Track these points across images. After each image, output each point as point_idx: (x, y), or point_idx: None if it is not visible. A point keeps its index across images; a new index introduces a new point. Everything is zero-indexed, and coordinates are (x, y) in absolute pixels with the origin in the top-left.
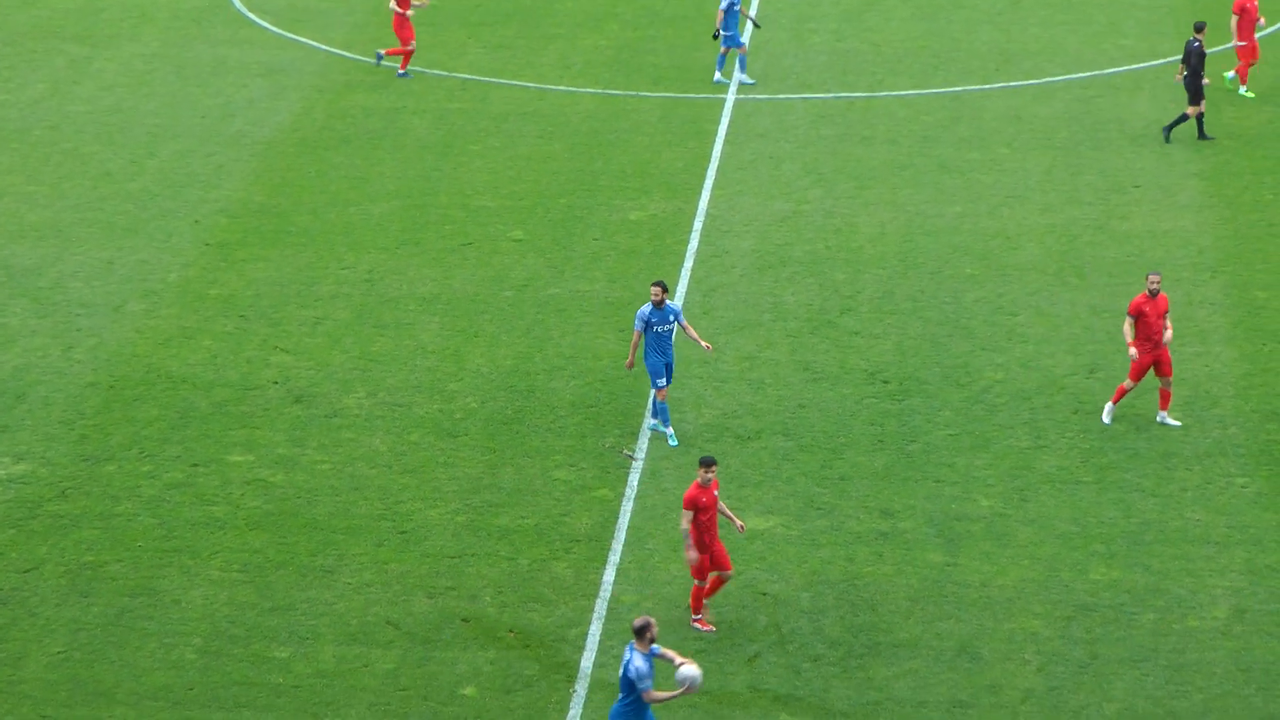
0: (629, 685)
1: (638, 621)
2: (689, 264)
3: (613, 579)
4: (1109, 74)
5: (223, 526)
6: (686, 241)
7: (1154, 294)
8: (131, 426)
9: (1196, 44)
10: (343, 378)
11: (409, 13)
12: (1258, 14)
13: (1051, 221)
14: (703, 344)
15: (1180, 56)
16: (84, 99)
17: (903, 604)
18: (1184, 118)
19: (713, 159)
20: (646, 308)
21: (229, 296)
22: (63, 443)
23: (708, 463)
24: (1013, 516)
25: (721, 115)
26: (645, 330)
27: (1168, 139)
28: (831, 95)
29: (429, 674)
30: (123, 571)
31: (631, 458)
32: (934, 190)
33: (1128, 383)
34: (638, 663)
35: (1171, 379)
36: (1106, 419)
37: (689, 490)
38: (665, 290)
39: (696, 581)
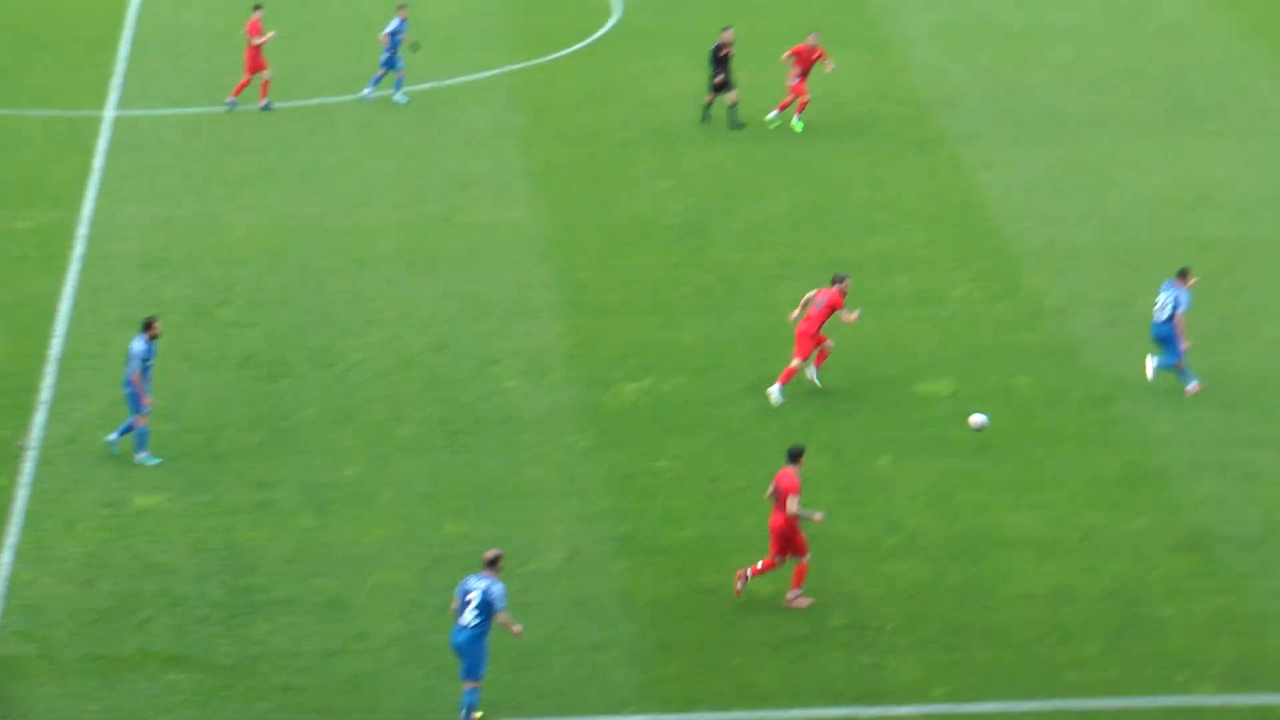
0: (485, 609)
1: (494, 552)
2: (75, 268)
3: (11, 560)
4: (447, 84)
5: None
6: (72, 247)
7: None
8: None
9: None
10: None
11: (260, 42)
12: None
13: (402, 218)
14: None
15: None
16: None
17: (279, 565)
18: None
19: (95, 171)
20: (142, 343)
21: None
22: None
23: (798, 453)
24: (375, 481)
25: (101, 130)
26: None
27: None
28: (202, 110)
29: None
30: None
31: (24, 448)
32: (297, 193)
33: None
34: (498, 588)
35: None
36: (777, 398)
37: (794, 479)
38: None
39: (805, 558)
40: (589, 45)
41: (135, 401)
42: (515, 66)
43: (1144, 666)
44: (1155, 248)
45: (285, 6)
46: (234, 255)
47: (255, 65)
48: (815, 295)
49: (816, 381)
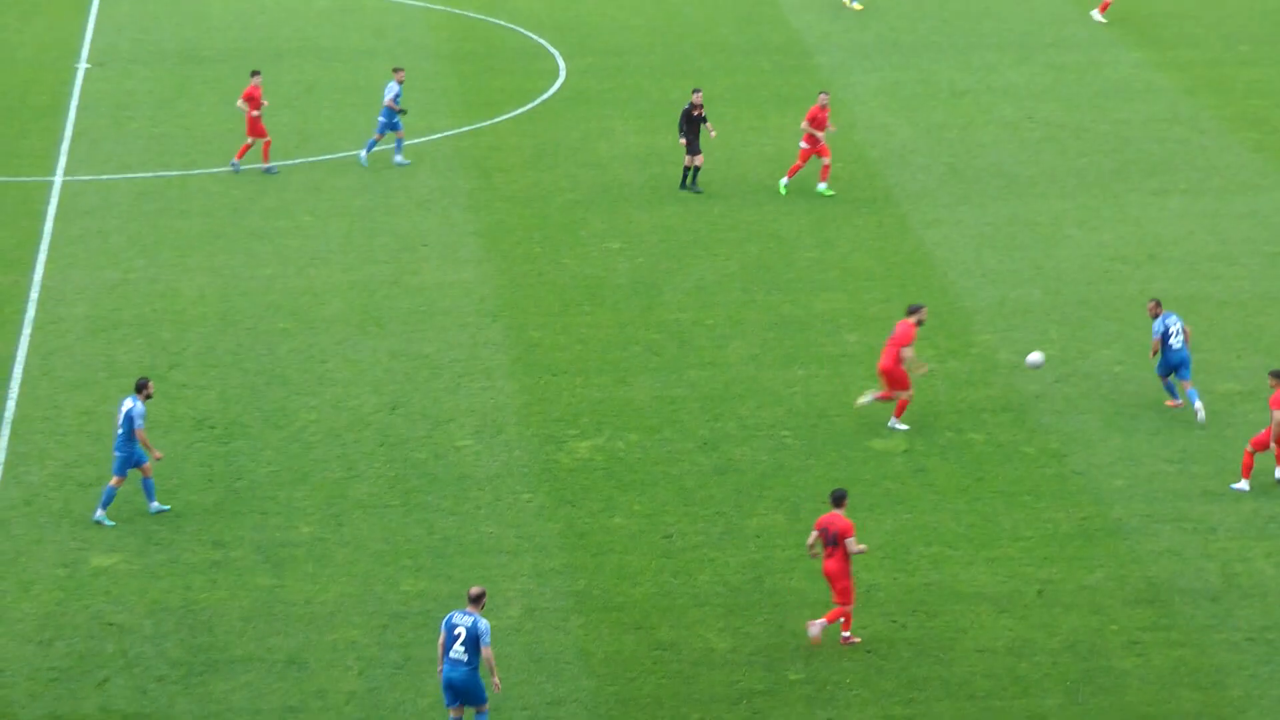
0: (474, 645)
1: (477, 589)
2: (27, 331)
3: None
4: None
5: None
6: (24, 310)
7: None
8: None
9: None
10: None
11: (258, 113)
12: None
13: (353, 279)
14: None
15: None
16: None
17: (236, 624)
18: (693, 170)
19: (44, 235)
20: (138, 403)
21: None
22: None
23: (842, 497)
24: (331, 540)
25: (50, 195)
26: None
27: (696, 189)
28: (151, 174)
29: None
30: None
31: None
32: (247, 255)
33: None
34: (484, 623)
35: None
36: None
37: (847, 521)
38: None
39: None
40: (535, 107)
41: (122, 465)
42: (463, 129)
43: (1104, 719)
44: (1105, 304)
45: (234, 72)
46: (185, 317)
47: (255, 130)
48: (895, 328)
49: (867, 400)
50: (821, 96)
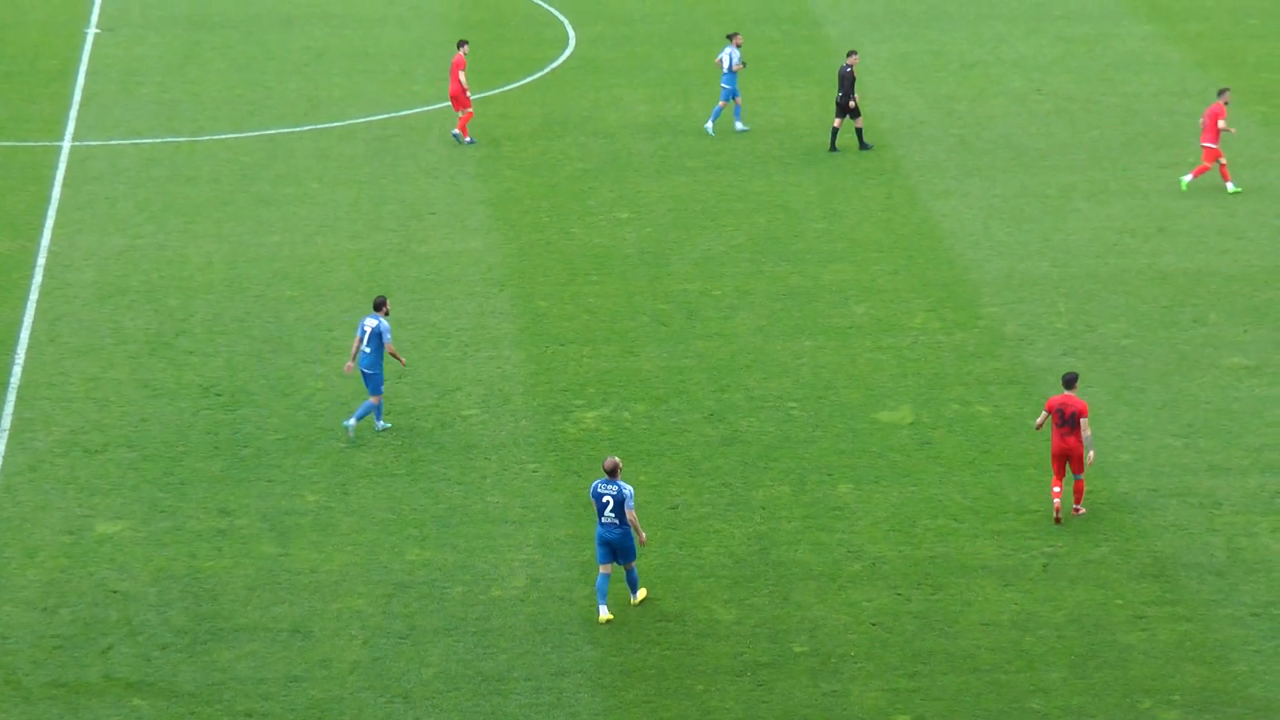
0: (620, 508)
1: (612, 461)
2: (34, 296)
3: None
4: (404, 115)
5: None
6: (31, 276)
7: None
8: None
9: (848, 69)
10: None
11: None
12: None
13: (360, 247)
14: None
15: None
16: None
17: (241, 593)
18: (857, 131)
19: (52, 201)
20: (381, 320)
21: None
22: None
23: (1074, 378)
24: (336, 509)
25: (59, 161)
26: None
27: (868, 147)
28: (159, 140)
29: None
30: None
31: None
32: (255, 222)
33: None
34: (629, 489)
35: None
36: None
37: (1081, 402)
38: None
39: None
40: (544, 76)
41: (375, 382)
42: (472, 97)
43: (1108, 693)
44: (1113, 277)
45: (241, 38)
46: (192, 284)
47: (460, 103)
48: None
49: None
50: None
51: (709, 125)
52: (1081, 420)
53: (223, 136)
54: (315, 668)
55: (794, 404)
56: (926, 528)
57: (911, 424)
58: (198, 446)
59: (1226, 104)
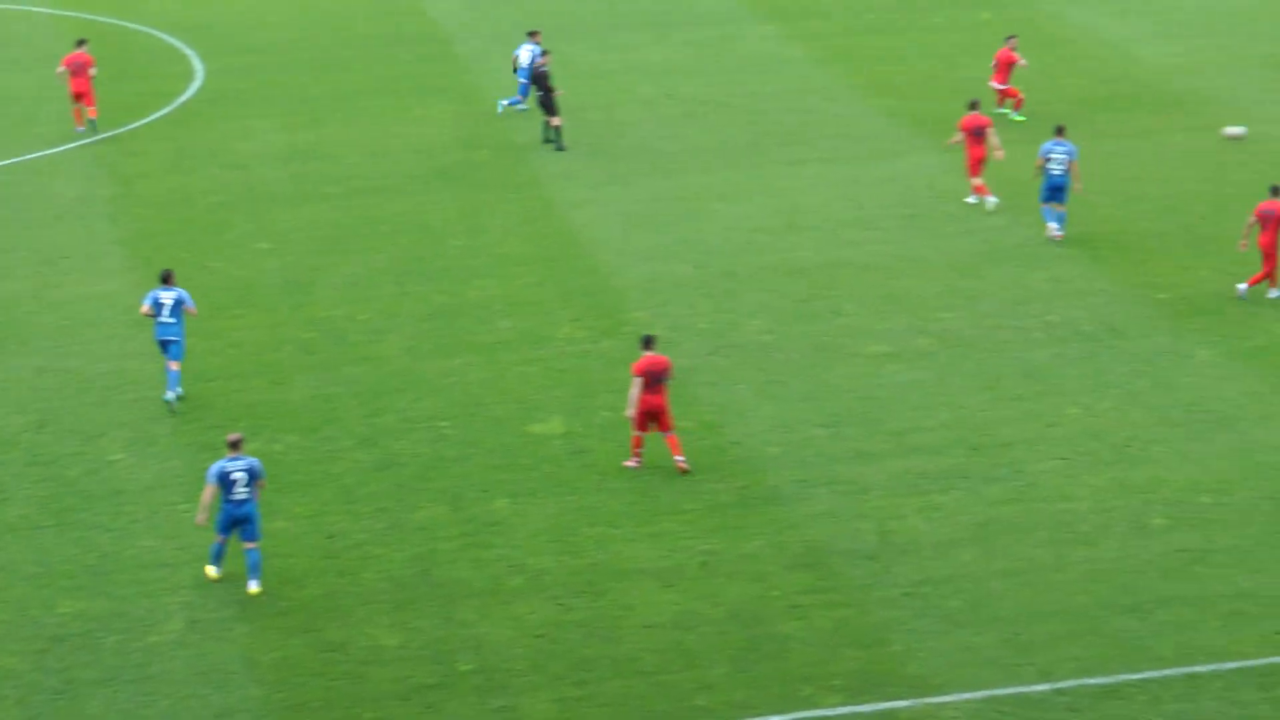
0: (252, 480)
1: (235, 435)
2: None
3: None
4: (29, 159)
5: None
6: None
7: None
8: None
9: (543, 69)
10: None
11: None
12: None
13: None
14: None
15: None
16: None
17: None
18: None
19: None
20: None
21: None
22: None
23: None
24: None
25: None
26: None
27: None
28: None
29: None
30: None
31: None
32: None
33: None
34: (256, 461)
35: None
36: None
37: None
38: None
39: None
40: (173, 111)
41: (178, 349)
42: (100, 136)
43: (770, 684)
44: (750, 275)
45: None
46: None
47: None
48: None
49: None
50: (1010, 40)
51: (516, 103)
52: None
53: None
54: None
55: (446, 423)
56: (585, 536)
57: (564, 434)
58: None
59: (1015, 49)
